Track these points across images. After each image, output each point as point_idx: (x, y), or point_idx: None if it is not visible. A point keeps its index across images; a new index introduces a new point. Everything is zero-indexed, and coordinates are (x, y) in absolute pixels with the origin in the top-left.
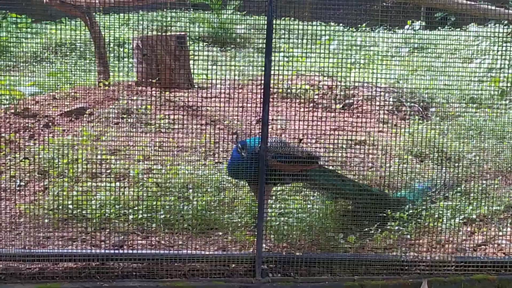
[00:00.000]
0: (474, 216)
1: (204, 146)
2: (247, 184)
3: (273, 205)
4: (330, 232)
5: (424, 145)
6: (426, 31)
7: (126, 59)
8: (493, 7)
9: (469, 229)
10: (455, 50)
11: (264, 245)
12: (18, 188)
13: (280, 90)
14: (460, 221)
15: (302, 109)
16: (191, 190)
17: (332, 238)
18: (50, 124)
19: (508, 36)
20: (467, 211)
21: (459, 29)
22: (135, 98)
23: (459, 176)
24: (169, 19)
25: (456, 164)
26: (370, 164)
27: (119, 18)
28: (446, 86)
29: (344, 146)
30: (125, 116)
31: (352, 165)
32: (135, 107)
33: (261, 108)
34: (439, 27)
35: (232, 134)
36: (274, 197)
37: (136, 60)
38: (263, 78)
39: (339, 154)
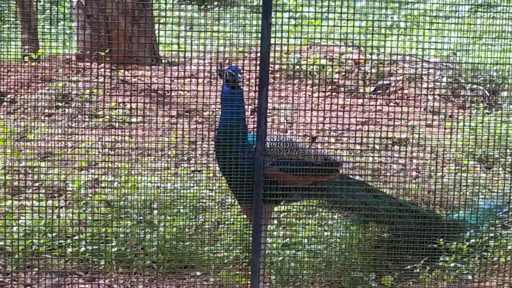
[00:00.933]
0: None
1: (176, 147)
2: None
3: (275, 233)
4: (357, 271)
5: (493, 146)
6: None
7: (63, 23)
8: None
9: None
10: None
11: None
12: None
13: (285, 67)
14: None
15: (316, 94)
16: (156, 212)
17: (359, 279)
18: None
19: None
20: None
21: None
22: (75, 78)
23: None
24: None
25: None
26: (414, 173)
27: None
28: None
29: (377, 147)
30: (61, 104)
31: (388, 174)
32: (75, 91)
33: (257, 93)
34: None
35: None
36: (276, 221)
37: (77, 25)
38: (259, 49)
39: (370, 159)
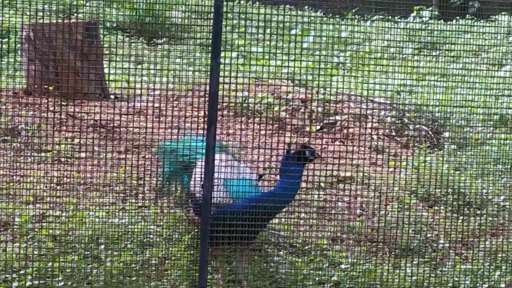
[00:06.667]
0: (503, 286)
1: (123, 183)
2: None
3: (221, 269)
4: None
5: (435, 184)
6: (439, 22)
7: (10, 56)
8: None
9: None
10: (480, 50)
11: None
12: None
13: (233, 104)
14: None
15: (263, 131)
16: (103, 247)
17: None
18: None
19: None
20: (493, 278)
21: (484, 21)
22: (23, 112)
23: (483, 228)
24: None
25: (479, 212)
26: (358, 211)
27: None
28: (466, 102)
29: (322, 184)
30: (8, 138)
31: (333, 212)
32: (23, 125)
33: (206, 131)
34: (457, 18)
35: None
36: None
37: (26, 59)
38: (207, 87)
39: (316, 196)
